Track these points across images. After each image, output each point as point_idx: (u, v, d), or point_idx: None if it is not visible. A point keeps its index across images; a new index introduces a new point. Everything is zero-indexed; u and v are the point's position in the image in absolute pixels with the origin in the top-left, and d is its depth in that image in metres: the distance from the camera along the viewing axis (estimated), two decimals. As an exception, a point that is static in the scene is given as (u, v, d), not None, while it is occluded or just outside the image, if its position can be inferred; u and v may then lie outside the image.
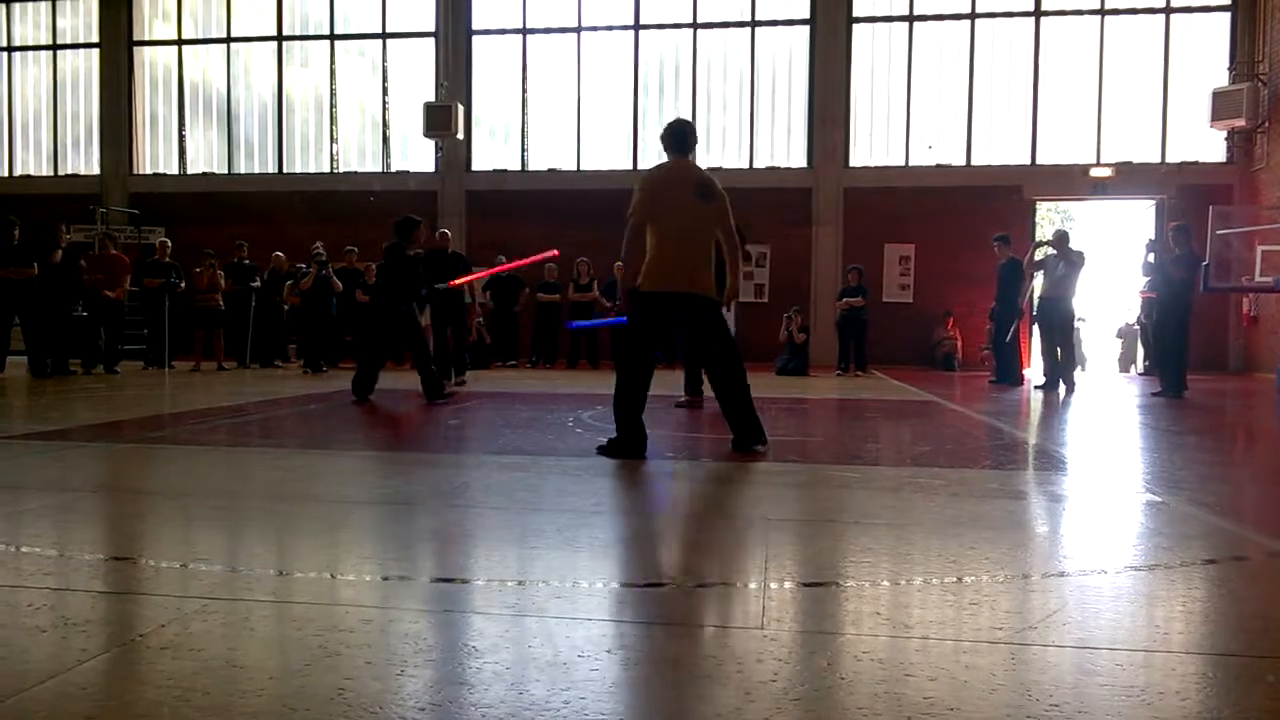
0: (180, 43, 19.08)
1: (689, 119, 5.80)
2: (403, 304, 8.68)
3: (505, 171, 17.87)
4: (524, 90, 17.94)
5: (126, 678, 2.01)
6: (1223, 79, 15.64)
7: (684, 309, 5.31)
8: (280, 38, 18.66)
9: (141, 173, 19.16)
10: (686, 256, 5.28)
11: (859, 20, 16.92)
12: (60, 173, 19.48)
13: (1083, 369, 15.29)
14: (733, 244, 5.48)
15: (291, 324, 14.60)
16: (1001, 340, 12.52)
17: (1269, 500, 4.66)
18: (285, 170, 18.62)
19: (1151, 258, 11.36)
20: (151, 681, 1.96)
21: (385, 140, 18.48)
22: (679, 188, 5.33)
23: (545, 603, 2.54)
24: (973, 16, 16.62)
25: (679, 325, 5.47)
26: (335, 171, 18.54)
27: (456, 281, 10.14)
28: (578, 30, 17.70)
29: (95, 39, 19.18)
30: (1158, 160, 16.10)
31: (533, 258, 11.50)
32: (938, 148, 16.75)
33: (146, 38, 19.27)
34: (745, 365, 5.42)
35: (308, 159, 18.71)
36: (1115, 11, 16.28)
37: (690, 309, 5.32)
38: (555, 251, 12.17)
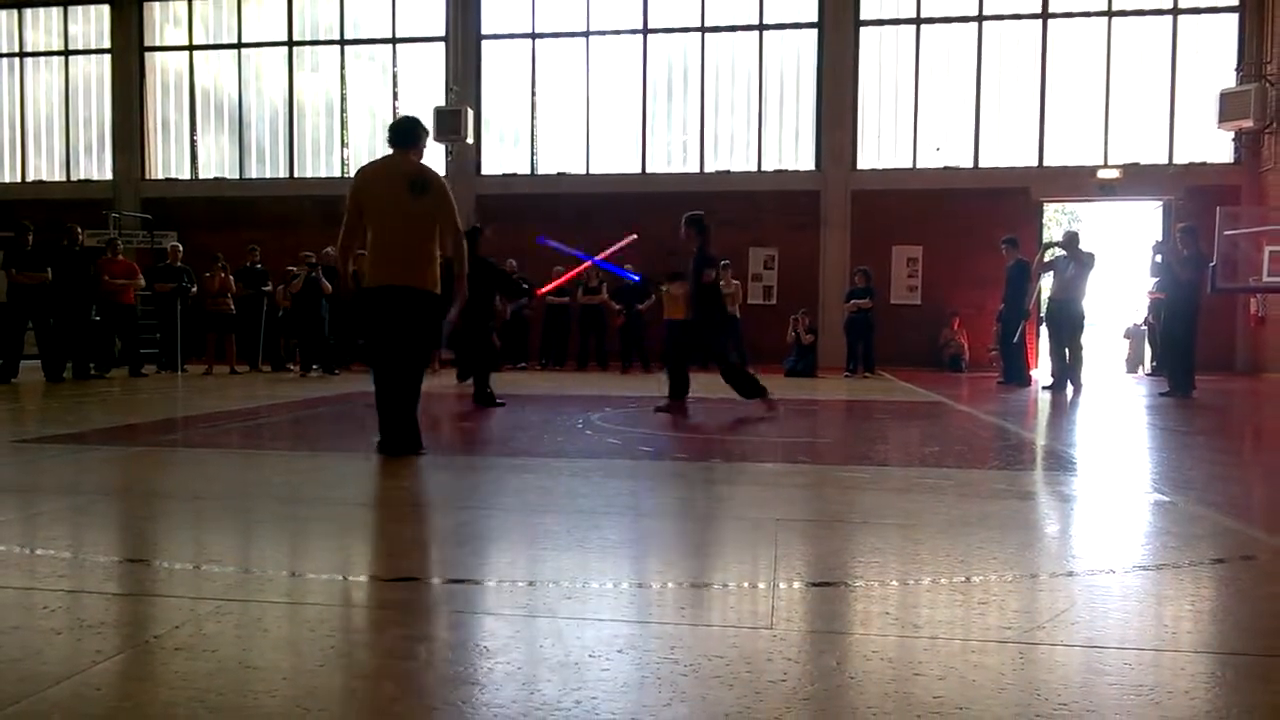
0: (191, 48, 19.16)
1: (417, 117, 5.66)
2: (480, 313, 8.68)
3: (514, 175, 17.90)
4: (533, 94, 17.97)
5: (141, 679, 2.03)
6: (1230, 80, 15.57)
7: (397, 301, 5.27)
8: (291, 43, 18.72)
9: (153, 178, 19.24)
10: (399, 250, 5.25)
11: (866, 23, 16.90)
12: (73, 178, 19.57)
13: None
14: (455, 239, 5.38)
15: (287, 327, 14.59)
16: (1009, 341, 12.50)
17: (1277, 500, 4.65)
18: (296, 175, 18.68)
19: (1159, 259, 11.32)
20: (166, 682, 1.98)
21: (395, 144, 18.50)
22: (390, 182, 5.29)
23: (556, 603, 2.56)
24: (980, 19, 16.58)
25: (396, 317, 5.34)
26: (346, 176, 18.56)
27: (543, 290, 10.10)
28: (586, 35, 17.72)
29: (107, 45, 19.27)
30: (1165, 161, 16.03)
31: (614, 249, 10.68)
32: (945, 150, 16.72)
33: (158, 43, 19.35)
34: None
35: (319, 163, 18.78)
36: (1122, 13, 16.22)
37: (402, 300, 5.27)
38: (634, 235, 11.30)
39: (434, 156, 18.10)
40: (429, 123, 17.23)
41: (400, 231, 5.23)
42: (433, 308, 5.36)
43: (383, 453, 5.30)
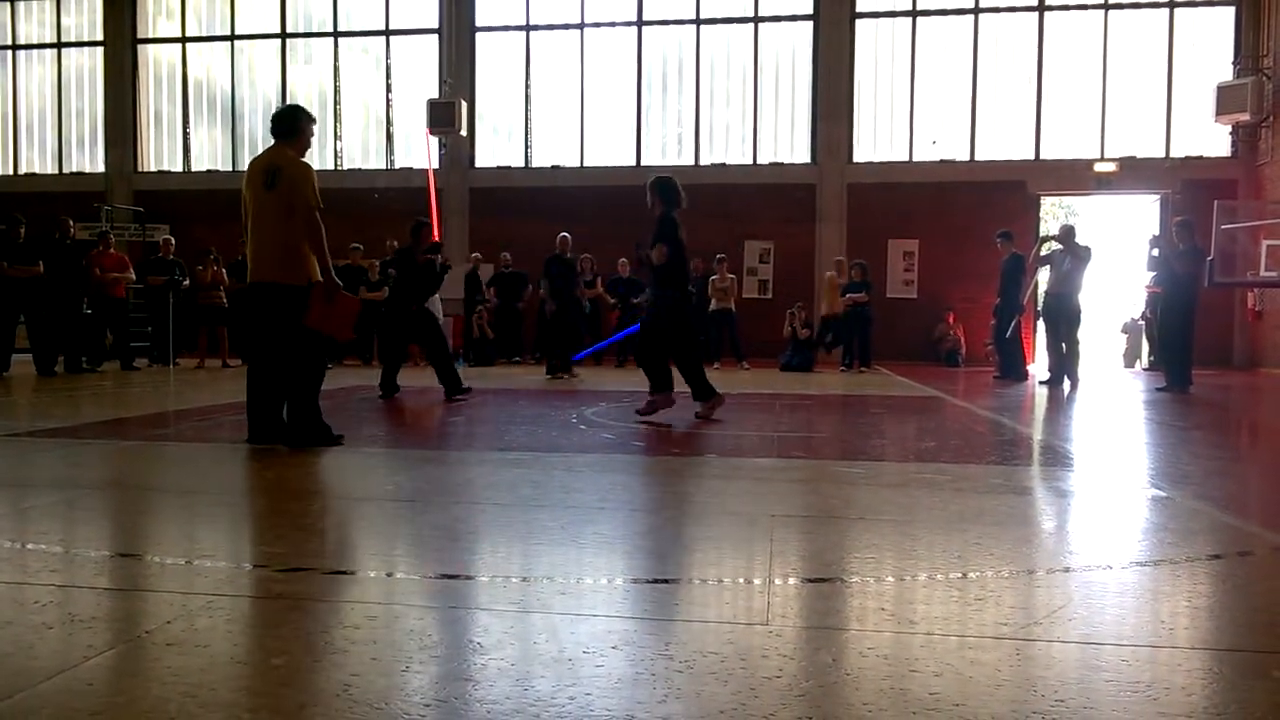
0: (184, 40, 19.10)
1: (298, 105, 5.73)
2: (414, 303, 8.82)
3: (509, 168, 17.86)
4: (527, 87, 17.93)
5: (133, 674, 2.01)
6: (1227, 73, 15.58)
7: (258, 299, 5.29)
8: (284, 35, 18.67)
9: (146, 170, 19.19)
10: (258, 247, 5.28)
11: (862, 15, 16.89)
12: (65, 170, 19.52)
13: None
14: (308, 228, 5.23)
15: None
16: (1003, 336, 12.50)
17: (1274, 495, 4.65)
18: (289, 168, 18.60)
19: (1156, 253, 11.32)
20: (157, 678, 1.97)
21: (389, 137, 18.48)
22: (252, 178, 5.34)
23: (550, 599, 2.55)
24: (976, 11, 16.58)
25: (258, 315, 5.35)
26: (339, 169, 18.55)
27: (433, 239, 9.91)
28: (581, 26, 17.69)
29: (100, 37, 19.21)
30: (1162, 155, 16.04)
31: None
32: (941, 143, 16.72)
33: (151, 35, 19.30)
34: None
35: (312, 156, 18.45)
36: (1119, 6, 16.23)
37: (261, 298, 5.29)
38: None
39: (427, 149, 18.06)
40: (422, 115, 17.28)
41: (259, 229, 5.27)
42: (288, 299, 5.23)
43: (251, 442, 5.36)
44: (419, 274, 8.89)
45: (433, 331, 8.89)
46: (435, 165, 10.37)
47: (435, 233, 9.59)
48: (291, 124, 5.44)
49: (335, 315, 5.37)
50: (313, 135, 5.60)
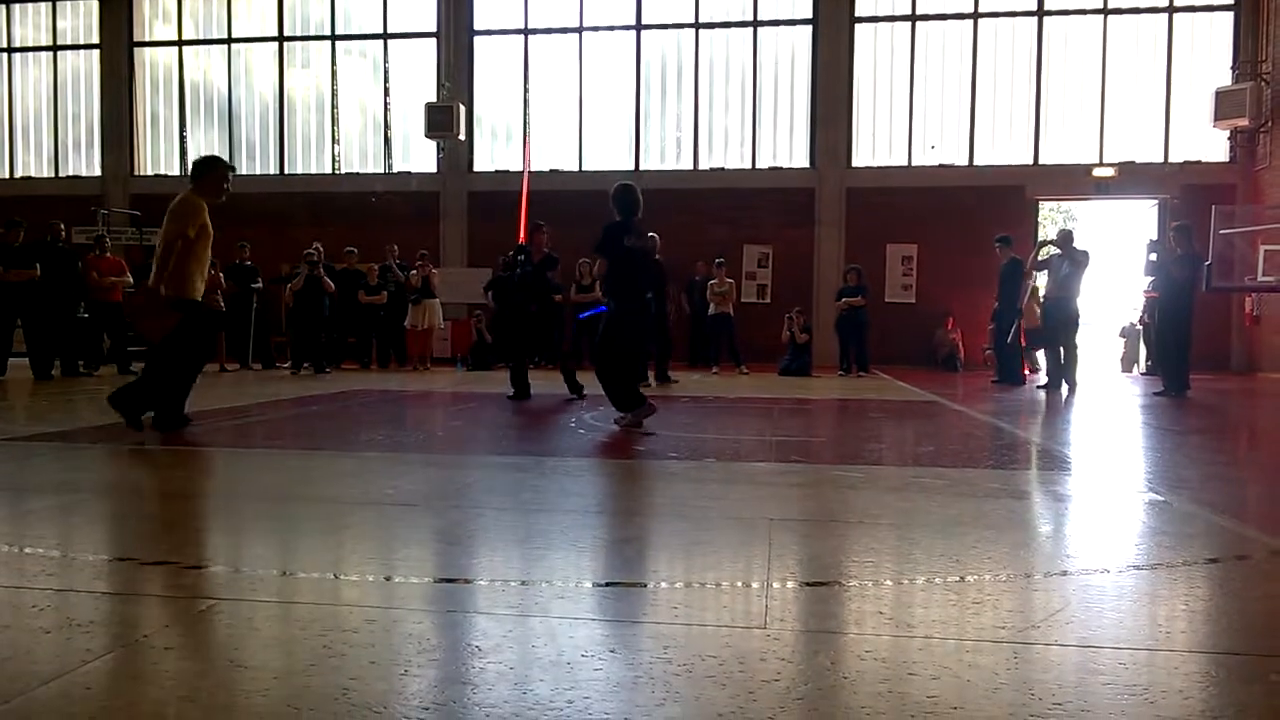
0: (181, 43, 19.09)
1: (209, 156, 6.67)
2: (530, 304, 9.16)
3: (507, 172, 17.85)
4: (526, 90, 17.94)
5: (131, 678, 2.01)
6: (1226, 78, 15.62)
7: None
8: (281, 38, 18.66)
9: (142, 174, 19.17)
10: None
11: (861, 20, 16.91)
12: (61, 174, 19.49)
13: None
14: (164, 248, 6.21)
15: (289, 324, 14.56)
16: (1003, 340, 12.51)
17: (1271, 499, 4.66)
18: (287, 171, 18.62)
19: (1154, 257, 11.34)
20: (156, 682, 1.97)
21: (387, 141, 18.48)
22: None
23: (549, 603, 2.55)
24: (975, 16, 16.61)
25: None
26: (337, 172, 18.55)
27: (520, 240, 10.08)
28: (579, 30, 17.70)
29: (96, 40, 19.20)
30: (1160, 160, 16.07)
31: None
32: (940, 147, 16.74)
33: (147, 38, 19.28)
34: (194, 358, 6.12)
35: (309, 160, 18.71)
36: (1118, 11, 16.26)
37: None
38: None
39: (425, 154, 18.08)
40: (420, 119, 17.28)
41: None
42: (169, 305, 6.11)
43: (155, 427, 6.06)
44: (529, 279, 9.22)
45: (540, 334, 9.33)
46: (530, 167, 10.70)
47: (521, 234, 9.80)
48: (201, 171, 6.34)
49: (147, 318, 6.38)
50: (226, 183, 6.39)
